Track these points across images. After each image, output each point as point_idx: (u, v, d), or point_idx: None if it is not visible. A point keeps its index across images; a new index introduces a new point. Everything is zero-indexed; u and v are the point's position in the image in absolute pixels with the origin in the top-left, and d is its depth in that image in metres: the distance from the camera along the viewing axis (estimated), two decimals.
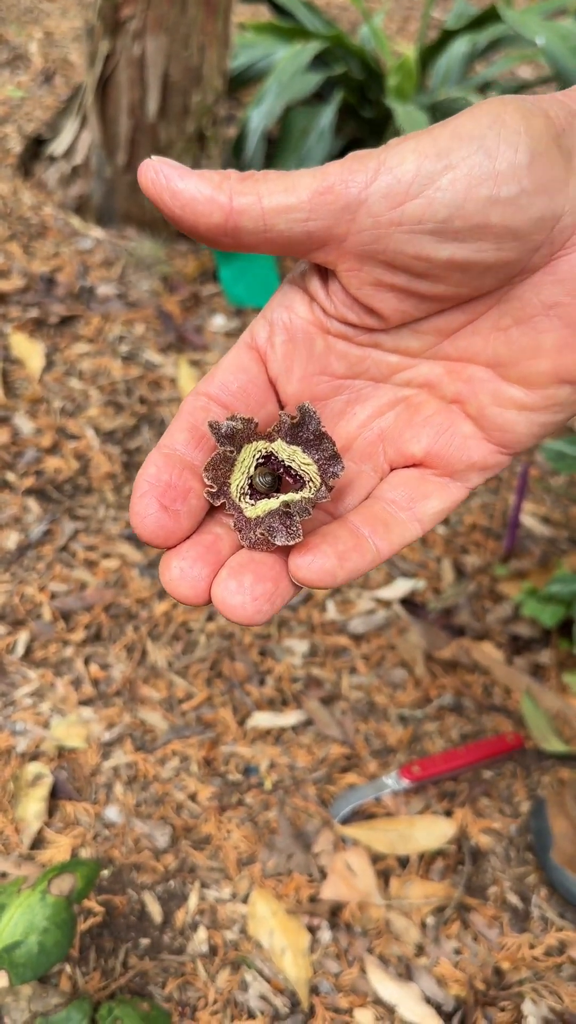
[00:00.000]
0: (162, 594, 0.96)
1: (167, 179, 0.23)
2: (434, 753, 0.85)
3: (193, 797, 0.79)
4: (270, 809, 0.79)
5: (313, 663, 0.92)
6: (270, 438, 0.27)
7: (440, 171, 0.22)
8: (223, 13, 1.33)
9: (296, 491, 0.27)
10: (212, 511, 0.26)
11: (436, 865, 0.77)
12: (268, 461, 0.27)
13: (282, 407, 0.28)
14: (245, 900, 0.73)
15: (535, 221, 0.23)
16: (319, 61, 1.61)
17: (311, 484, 0.26)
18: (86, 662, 0.88)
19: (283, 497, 0.26)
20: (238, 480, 0.27)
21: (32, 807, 0.76)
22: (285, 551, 0.25)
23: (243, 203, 0.23)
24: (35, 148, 1.55)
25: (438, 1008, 0.68)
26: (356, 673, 0.92)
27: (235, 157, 1.51)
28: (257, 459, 0.27)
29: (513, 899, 0.76)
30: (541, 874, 0.77)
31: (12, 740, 0.81)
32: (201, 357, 1.27)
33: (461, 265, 0.24)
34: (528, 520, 1.11)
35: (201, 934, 0.71)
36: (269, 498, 0.27)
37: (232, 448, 0.26)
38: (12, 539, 0.98)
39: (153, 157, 0.24)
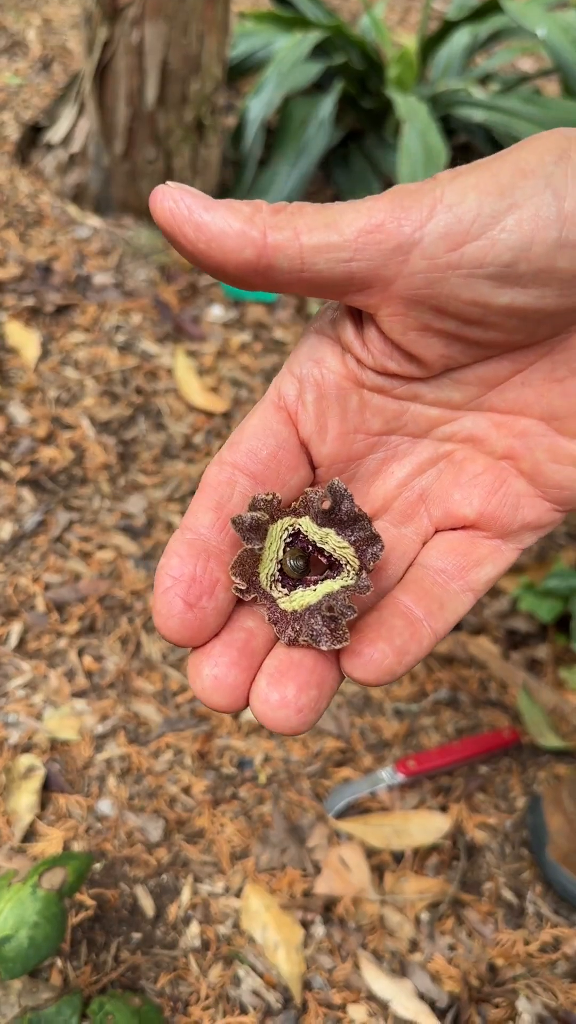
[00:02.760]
0: None
1: (189, 210, 0.21)
2: (430, 748, 0.84)
3: (187, 790, 0.79)
4: (264, 803, 0.79)
5: None
6: (296, 512, 0.25)
7: (504, 210, 0.21)
8: (222, 1, 1.31)
9: (332, 573, 0.25)
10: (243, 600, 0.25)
11: (431, 860, 0.76)
12: (296, 539, 0.25)
13: (315, 469, 0.26)
14: (238, 894, 0.73)
15: None
16: (319, 51, 1.60)
17: (349, 568, 0.25)
18: (80, 654, 0.88)
19: (321, 588, 0.25)
20: (267, 568, 0.24)
21: (24, 799, 0.75)
22: None
23: (278, 239, 0.21)
24: (32, 136, 1.53)
25: (432, 1004, 0.68)
26: None
27: (234, 147, 1.50)
28: (285, 539, 0.25)
29: (508, 895, 0.75)
30: (536, 870, 0.77)
31: (4, 732, 0.80)
32: (198, 347, 1.26)
33: (520, 312, 0.22)
34: None
35: (194, 928, 0.70)
36: (304, 585, 0.25)
37: (260, 544, 0.24)
38: (6, 529, 0.97)
39: (169, 184, 0.21)
